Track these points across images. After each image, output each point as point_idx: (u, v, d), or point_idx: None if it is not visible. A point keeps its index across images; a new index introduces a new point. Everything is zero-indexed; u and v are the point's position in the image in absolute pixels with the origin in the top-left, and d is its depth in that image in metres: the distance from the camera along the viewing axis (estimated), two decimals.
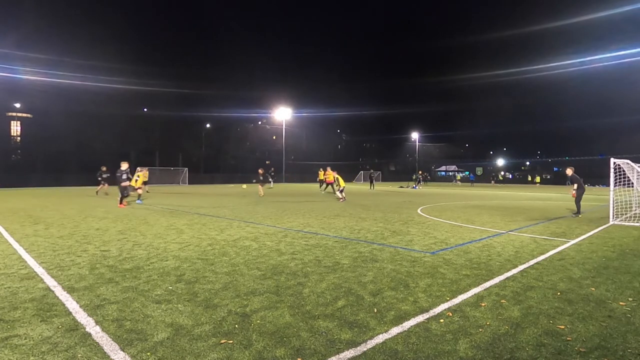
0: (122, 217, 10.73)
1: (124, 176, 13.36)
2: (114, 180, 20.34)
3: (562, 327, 3.31)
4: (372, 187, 33.45)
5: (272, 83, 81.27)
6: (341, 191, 17.75)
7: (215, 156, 54.52)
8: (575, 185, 11.81)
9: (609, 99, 70.15)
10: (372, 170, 42.64)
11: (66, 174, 36.25)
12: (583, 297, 4.12)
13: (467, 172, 74.13)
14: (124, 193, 13.49)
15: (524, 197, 23.19)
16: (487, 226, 9.59)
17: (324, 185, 22.80)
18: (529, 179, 62.37)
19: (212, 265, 5.32)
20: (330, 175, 22.00)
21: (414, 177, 56.26)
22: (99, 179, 21.50)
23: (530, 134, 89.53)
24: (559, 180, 56.36)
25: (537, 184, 52.40)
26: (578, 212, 12.05)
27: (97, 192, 21.55)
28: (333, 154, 69.42)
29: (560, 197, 23.51)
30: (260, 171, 21.43)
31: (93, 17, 61.75)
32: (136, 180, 16.23)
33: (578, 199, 11.96)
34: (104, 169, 21.94)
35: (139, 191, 16.65)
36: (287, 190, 28.19)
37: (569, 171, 12.43)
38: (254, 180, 22.84)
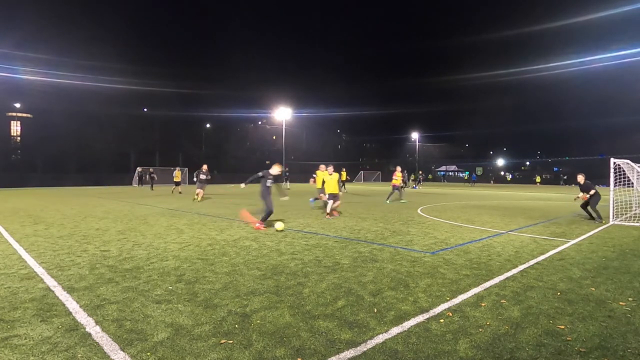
0: (122, 217, 10.73)
1: (269, 182, 8.98)
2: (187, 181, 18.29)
3: (562, 327, 3.31)
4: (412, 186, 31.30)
5: (272, 83, 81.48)
6: (329, 197, 11.48)
7: (215, 156, 54.52)
8: (593, 191, 10.84)
9: (609, 99, 70.18)
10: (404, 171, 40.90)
11: (66, 174, 36.30)
12: (583, 297, 4.12)
13: (466, 172, 74.21)
14: (270, 206, 8.87)
15: (524, 197, 23.19)
16: (487, 226, 9.58)
17: (395, 191, 17.63)
18: (507, 179, 63.01)
19: (212, 265, 5.32)
20: (399, 177, 17.49)
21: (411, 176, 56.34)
22: (195, 179, 17.36)
23: (530, 134, 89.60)
24: (558, 180, 56.71)
25: (538, 184, 52.58)
26: (600, 217, 10.66)
27: (197, 195, 16.69)
28: (333, 154, 69.44)
29: (560, 197, 23.50)
30: (204, 168, 16.74)
31: (93, 17, 61.87)
32: (313, 178, 13.56)
33: (594, 206, 10.83)
34: (205, 168, 17.54)
35: (322, 196, 12.38)
36: (286, 190, 28.20)
37: (581, 178, 11.28)
38: (194, 179, 17.31)
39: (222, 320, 3.39)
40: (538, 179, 55.26)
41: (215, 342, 2.96)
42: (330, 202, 11.30)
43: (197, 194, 16.60)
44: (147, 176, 29.49)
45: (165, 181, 38.73)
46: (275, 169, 9.27)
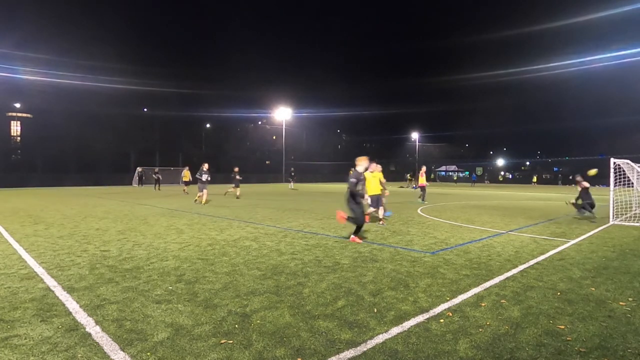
0: (122, 217, 10.73)
1: (359, 185, 7.21)
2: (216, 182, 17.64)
3: (562, 327, 3.31)
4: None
5: (272, 83, 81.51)
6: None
7: (215, 156, 54.51)
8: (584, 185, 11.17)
9: (609, 99, 70.16)
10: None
11: (66, 174, 36.31)
12: (583, 297, 4.12)
13: (466, 172, 74.21)
14: (360, 217, 7.13)
15: (524, 197, 23.18)
16: (487, 226, 9.58)
17: (420, 192, 17.78)
18: (500, 179, 63.10)
19: (212, 265, 5.32)
20: (422, 178, 17.39)
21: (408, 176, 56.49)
22: (236, 178, 19.20)
23: (530, 134, 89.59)
24: (555, 180, 56.99)
25: (534, 183, 52.97)
26: (589, 211, 10.95)
27: (199, 197, 15.64)
28: (333, 154, 69.41)
29: (561, 197, 23.49)
30: (205, 166, 15.81)
31: (93, 17, 61.93)
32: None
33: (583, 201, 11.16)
34: (207, 167, 18.77)
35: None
36: (287, 190, 28.19)
37: (581, 180, 11.44)
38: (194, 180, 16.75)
39: (222, 320, 3.39)
40: (535, 179, 55.81)
41: (215, 342, 2.96)
42: (380, 209, 9.52)
43: (199, 196, 15.39)
44: (153, 176, 29.27)
45: (166, 181, 38.77)
46: (362, 165, 7.31)
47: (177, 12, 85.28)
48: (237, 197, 18.85)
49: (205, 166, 15.88)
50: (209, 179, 16.08)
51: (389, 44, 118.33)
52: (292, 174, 32.66)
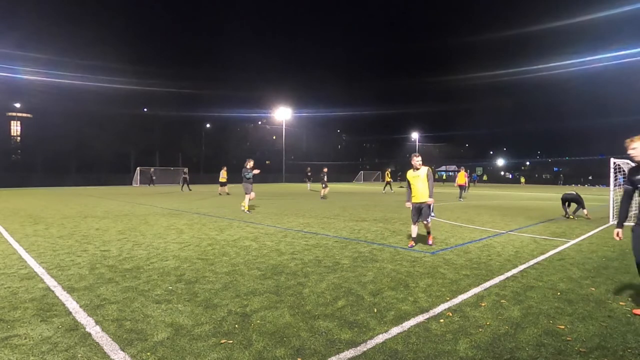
0: (122, 217, 10.73)
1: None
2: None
3: (562, 327, 3.31)
4: None
5: (272, 83, 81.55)
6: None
7: (215, 156, 54.45)
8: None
9: (608, 99, 70.04)
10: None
11: (66, 174, 36.38)
12: (583, 297, 4.12)
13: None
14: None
15: (524, 197, 23.18)
16: (487, 226, 9.58)
17: (461, 190, 19.26)
18: (485, 178, 62.69)
19: (212, 265, 5.32)
20: (462, 177, 18.82)
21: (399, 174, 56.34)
22: (324, 179, 19.97)
23: (530, 134, 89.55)
24: (549, 180, 57.23)
25: (522, 184, 53.59)
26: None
27: (245, 204, 12.64)
28: (333, 154, 69.39)
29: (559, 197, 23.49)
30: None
31: (93, 17, 61.95)
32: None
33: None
34: (325, 170, 20.45)
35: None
36: (288, 190, 28.19)
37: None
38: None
39: (222, 320, 3.39)
40: (522, 180, 56.54)
41: (215, 342, 2.96)
42: (427, 221, 6.86)
43: (247, 201, 12.33)
44: (181, 177, 29.00)
45: (165, 181, 38.84)
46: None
47: (177, 12, 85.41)
48: (325, 197, 19.29)
49: (250, 163, 12.46)
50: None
51: (389, 44, 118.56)
52: (309, 174, 30.43)
